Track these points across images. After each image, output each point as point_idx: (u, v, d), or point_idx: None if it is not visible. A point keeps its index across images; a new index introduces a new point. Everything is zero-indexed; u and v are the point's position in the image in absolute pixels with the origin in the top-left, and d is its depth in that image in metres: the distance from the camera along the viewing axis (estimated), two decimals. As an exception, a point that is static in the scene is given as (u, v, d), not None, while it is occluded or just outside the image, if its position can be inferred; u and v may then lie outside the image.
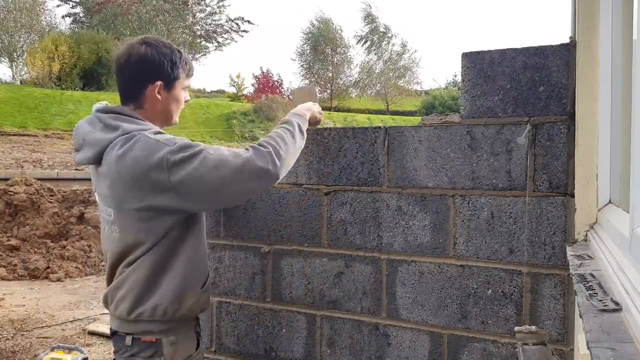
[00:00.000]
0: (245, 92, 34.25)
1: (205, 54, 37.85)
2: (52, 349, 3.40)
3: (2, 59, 30.33)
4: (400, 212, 2.02)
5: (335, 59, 37.77)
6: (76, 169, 13.35)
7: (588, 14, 1.59)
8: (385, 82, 36.82)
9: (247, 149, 1.65)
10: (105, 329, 4.46)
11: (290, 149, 1.73)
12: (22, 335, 4.80)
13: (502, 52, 1.86)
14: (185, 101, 1.82)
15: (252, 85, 34.40)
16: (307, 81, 38.15)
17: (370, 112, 32.68)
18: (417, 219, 1.99)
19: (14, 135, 17.92)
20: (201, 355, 1.84)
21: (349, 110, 32.73)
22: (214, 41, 37.60)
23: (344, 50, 38.53)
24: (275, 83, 33.05)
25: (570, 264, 1.46)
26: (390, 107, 35.15)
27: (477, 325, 1.91)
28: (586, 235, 1.68)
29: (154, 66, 1.68)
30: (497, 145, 1.86)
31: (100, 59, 27.24)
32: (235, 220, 2.31)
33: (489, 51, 1.88)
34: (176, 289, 1.66)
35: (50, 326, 5.03)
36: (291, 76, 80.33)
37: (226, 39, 37.78)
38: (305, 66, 38.36)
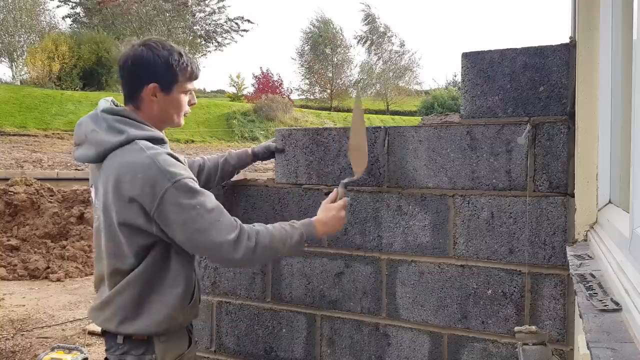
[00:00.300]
0: (245, 92, 34.26)
1: (205, 54, 37.87)
2: (52, 349, 3.40)
3: (2, 59, 30.35)
4: (400, 212, 2.02)
5: (335, 59, 37.77)
6: (76, 169, 13.35)
7: (588, 14, 1.59)
8: (385, 82, 36.81)
9: (236, 227, 1.63)
10: (105, 329, 4.44)
11: (269, 254, 1.72)
12: (22, 335, 4.80)
13: (502, 52, 1.86)
14: (191, 104, 1.80)
15: (252, 85, 34.48)
16: (307, 81, 38.18)
17: (370, 112, 32.70)
18: (417, 219, 1.99)
19: (14, 135, 17.92)
20: (193, 353, 1.84)
21: (349, 110, 32.73)
22: (213, 41, 37.62)
23: (344, 51, 38.55)
24: (275, 83, 33.04)
25: (570, 264, 1.46)
26: (390, 107, 35.16)
27: (477, 325, 1.91)
28: (586, 235, 1.68)
29: (149, 68, 1.67)
30: (497, 145, 1.86)
31: (100, 59, 27.24)
32: (235, 220, 2.31)
33: (489, 51, 1.88)
34: (164, 311, 1.67)
35: (50, 326, 5.03)
36: (291, 76, 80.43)
37: (226, 38, 37.82)
38: (305, 66, 38.35)
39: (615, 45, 1.50)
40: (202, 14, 36.88)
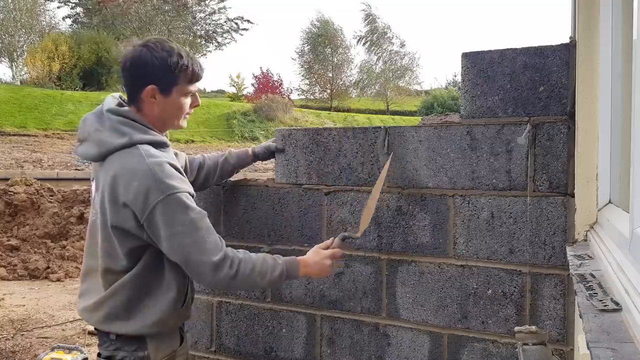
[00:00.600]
0: (245, 92, 34.22)
1: (205, 54, 37.86)
2: (52, 349, 3.40)
3: (2, 59, 30.33)
4: (400, 212, 2.02)
5: (335, 59, 37.76)
6: (76, 169, 13.35)
7: (588, 14, 1.59)
8: (385, 82, 36.81)
9: (220, 250, 1.63)
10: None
11: (248, 285, 1.75)
12: (22, 335, 4.80)
13: (502, 52, 1.86)
14: (194, 106, 1.78)
15: (252, 85, 34.40)
16: (307, 81, 38.18)
17: (370, 112, 32.68)
18: (417, 219, 1.99)
19: (14, 135, 17.91)
20: (185, 350, 1.85)
21: (349, 110, 32.74)
22: (214, 41, 37.61)
23: (344, 51, 38.55)
24: (275, 83, 33.01)
25: (570, 264, 1.46)
26: (390, 107, 35.15)
27: (477, 325, 1.91)
28: (586, 235, 1.68)
29: (147, 69, 1.66)
30: (497, 145, 1.86)
31: (100, 59, 27.21)
32: (235, 220, 2.31)
33: (489, 51, 1.88)
34: (156, 315, 1.68)
35: (50, 326, 5.03)
36: (291, 76, 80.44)
37: (226, 38, 37.81)
38: (305, 66, 38.34)
39: (615, 45, 1.50)
40: (202, 14, 36.89)
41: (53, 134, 18.59)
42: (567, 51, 1.77)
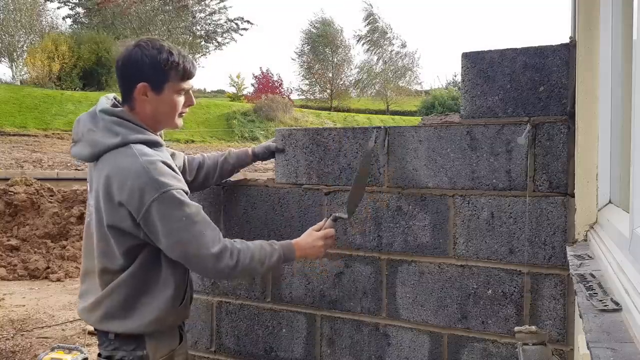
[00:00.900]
0: (245, 92, 34.21)
1: (205, 54, 37.86)
2: (52, 349, 3.40)
3: (2, 59, 30.32)
4: (400, 212, 2.02)
5: (335, 59, 37.75)
6: (76, 169, 13.35)
7: (588, 14, 1.59)
8: (385, 82, 36.80)
9: (219, 242, 1.65)
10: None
11: (248, 273, 1.80)
12: (22, 335, 4.79)
13: (502, 52, 1.86)
14: (188, 105, 1.79)
15: (252, 85, 34.40)
16: (306, 81, 38.16)
17: (370, 112, 32.68)
18: (417, 219, 1.99)
19: (14, 135, 17.91)
20: (185, 349, 1.85)
21: (349, 110, 32.73)
22: (213, 41, 37.61)
23: (344, 51, 38.54)
24: (275, 83, 33.01)
25: (570, 264, 1.46)
26: (390, 107, 35.14)
27: (477, 325, 1.91)
28: (586, 235, 1.68)
29: (137, 67, 1.67)
30: (497, 145, 1.86)
31: (100, 59, 27.21)
32: (235, 220, 2.31)
33: (489, 51, 1.88)
34: (154, 313, 1.68)
35: (50, 326, 5.03)
36: (291, 76, 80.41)
37: (225, 38, 37.80)
38: (305, 66, 38.34)
39: (615, 45, 1.50)
40: (202, 14, 36.88)
41: (53, 134, 18.59)
42: (567, 51, 1.77)
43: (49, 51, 25.91)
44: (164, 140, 1.82)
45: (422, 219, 1.98)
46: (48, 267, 6.80)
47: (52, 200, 7.70)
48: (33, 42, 29.69)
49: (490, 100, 1.88)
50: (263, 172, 12.54)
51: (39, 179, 8.56)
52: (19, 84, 27.58)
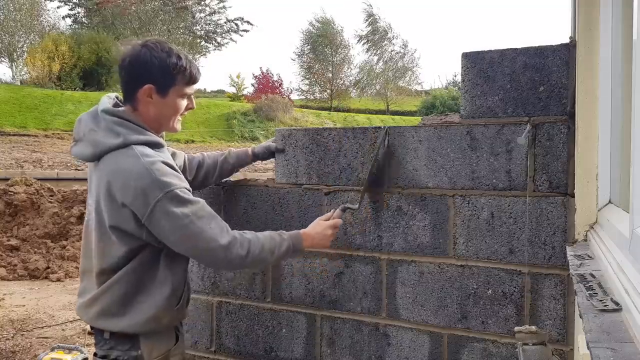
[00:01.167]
0: (245, 92, 34.22)
1: (205, 54, 37.85)
2: (52, 349, 3.40)
3: (2, 59, 30.31)
4: (400, 212, 2.02)
5: (335, 59, 37.74)
6: (76, 169, 13.35)
7: (588, 14, 1.59)
8: (385, 82, 36.80)
9: (227, 233, 1.67)
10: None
11: (258, 263, 1.82)
12: (22, 335, 4.79)
13: (502, 52, 1.86)
14: (189, 109, 1.79)
15: (252, 85, 34.40)
16: (306, 81, 38.15)
17: (370, 112, 32.68)
18: (417, 219, 1.99)
19: (14, 135, 17.91)
20: (181, 349, 1.86)
21: (349, 110, 32.72)
22: (213, 41, 37.60)
23: (344, 51, 38.54)
24: (275, 83, 33.01)
25: (570, 264, 1.46)
26: (390, 107, 35.14)
27: (477, 325, 1.91)
28: (586, 235, 1.68)
29: (145, 68, 1.66)
30: (497, 145, 1.86)
31: (100, 59, 27.21)
32: (235, 220, 2.31)
33: (489, 51, 1.88)
34: (150, 311, 1.69)
35: (50, 326, 5.03)
36: (291, 76, 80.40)
37: (225, 38, 37.79)
38: (305, 66, 38.34)
39: (615, 45, 1.50)
40: (202, 15, 36.87)
41: (53, 134, 18.59)
42: (567, 51, 1.77)
43: (49, 51, 25.91)
44: (165, 140, 1.82)
45: (422, 219, 1.98)
46: (48, 267, 6.80)
47: (52, 200, 7.70)
48: (33, 42, 29.70)
49: (490, 100, 1.88)
50: (263, 172, 12.54)
51: (39, 179, 8.56)
52: (19, 84, 27.59)
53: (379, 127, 2.06)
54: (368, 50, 38.74)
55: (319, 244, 1.88)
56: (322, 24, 38.09)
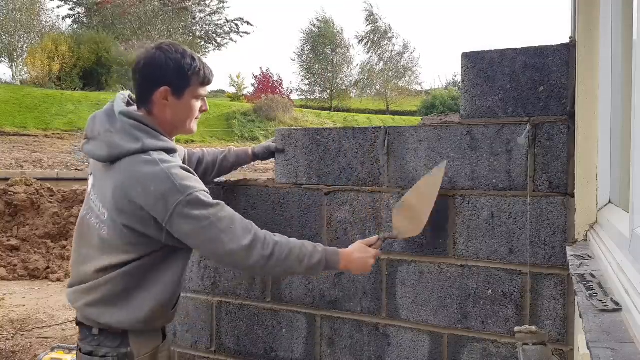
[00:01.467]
0: (245, 92, 34.20)
1: (205, 54, 37.84)
2: (52, 349, 3.40)
3: (2, 59, 30.31)
4: (400, 212, 2.01)
5: (336, 59, 37.74)
6: (76, 169, 13.35)
7: (588, 14, 1.59)
8: (385, 82, 36.80)
9: (250, 232, 1.65)
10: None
11: (284, 268, 1.70)
12: (22, 335, 4.80)
13: (502, 52, 1.86)
14: (203, 110, 1.80)
15: (252, 85, 34.38)
16: (306, 81, 38.14)
17: (370, 112, 32.68)
18: (417, 219, 1.99)
19: (14, 135, 17.90)
20: (167, 347, 1.86)
21: (349, 110, 32.72)
22: (213, 42, 37.60)
23: (344, 51, 38.53)
24: (275, 83, 33.00)
25: (570, 264, 1.46)
26: (390, 107, 35.14)
27: (477, 325, 1.91)
28: (586, 235, 1.68)
29: (161, 71, 1.67)
30: (497, 145, 1.86)
31: (100, 59, 27.20)
32: (235, 220, 2.31)
33: (489, 51, 1.88)
34: (147, 310, 1.69)
35: (50, 326, 5.03)
36: (291, 76, 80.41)
37: (225, 39, 37.79)
38: (305, 66, 38.33)
39: (615, 45, 1.50)
40: (202, 15, 36.87)
41: (53, 134, 18.58)
42: (567, 51, 1.77)
43: (49, 51, 25.91)
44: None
45: (422, 219, 1.98)
46: (48, 267, 6.80)
47: (52, 200, 7.70)
48: (33, 42, 29.69)
49: (490, 100, 1.88)
50: (263, 172, 12.54)
51: (39, 179, 8.57)
52: (19, 84, 27.57)
53: (379, 127, 2.06)
54: (369, 50, 38.76)
55: (357, 269, 1.78)
56: (323, 23, 38.09)
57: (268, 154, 2.24)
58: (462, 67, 1.92)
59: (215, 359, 2.39)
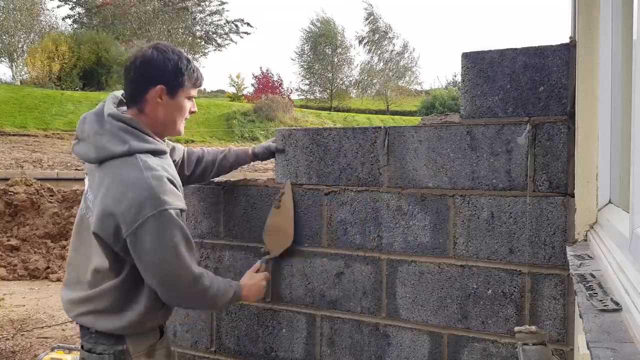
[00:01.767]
0: (245, 92, 34.21)
1: (205, 54, 37.85)
2: (52, 349, 3.39)
3: (2, 59, 30.32)
4: (400, 212, 2.02)
5: (336, 59, 37.74)
6: (76, 169, 13.34)
7: (588, 14, 1.59)
8: (386, 82, 36.79)
9: (198, 264, 1.79)
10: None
11: (211, 303, 1.84)
12: (22, 335, 4.79)
13: (502, 52, 1.86)
14: (191, 112, 1.83)
15: (252, 85, 34.40)
16: (307, 81, 38.14)
17: (370, 112, 32.68)
18: (417, 219, 1.99)
19: (14, 135, 17.91)
20: (165, 344, 1.87)
21: (349, 110, 32.72)
22: (213, 42, 37.58)
23: (344, 51, 38.52)
24: (275, 83, 33.01)
25: (570, 264, 1.46)
26: (390, 107, 35.14)
27: (477, 325, 1.91)
28: (586, 235, 1.68)
29: (157, 70, 1.70)
30: (497, 145, 1.86)
31: (100, 59, 27.23)
32: (235, 220, 2.31)
33: (489, 51, 1.88)
34: (135, 316, 1.71)
35: (50, 326, 5.03)
36: (291, 76, 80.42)
37: (225, 39, 37.77)
38: (305, 66, 38.33)
39: (615, 45, 1.50)
40: (202, 15, 36.85)
41: (53, 134, 18.59)
42: (567, 51, 1.77)
43: (49, 51, 25.92)
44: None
45: (422, 219, 1.98)
46: (48, 267, 6.80)
47: (52, 200, 7.70)
48: (33, 42, 29.69)
49: (490, 100, 1.88)
50: (263, 172, 12.54)
51: (39, 179, 8.57)
52: (19, 84, 27.58)
53: (379, 127, 2.06)
54: (370, 51, 38.74)
55: (253, 294, 1.96)
56: (323, 23, 38.08)
57: (268, 154, 2.24)
58: (462, 67, 1.92)
59: (215, 359, 2.39)
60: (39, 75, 25.83)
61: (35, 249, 7.10)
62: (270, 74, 33.43)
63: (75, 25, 35.05)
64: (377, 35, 38.64)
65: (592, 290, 1.12)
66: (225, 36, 37.62)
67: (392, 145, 2.02)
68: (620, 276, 1.06)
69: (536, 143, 1.81)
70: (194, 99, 1.84)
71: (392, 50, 38.57)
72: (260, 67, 50.27)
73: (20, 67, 29.80)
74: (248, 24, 39.69)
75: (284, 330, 2.24)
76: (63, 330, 4.95)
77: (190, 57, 1.80)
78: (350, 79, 38.70)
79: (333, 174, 2.13)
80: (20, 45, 29.89)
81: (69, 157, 15.19)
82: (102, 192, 1.63)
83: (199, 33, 36.97)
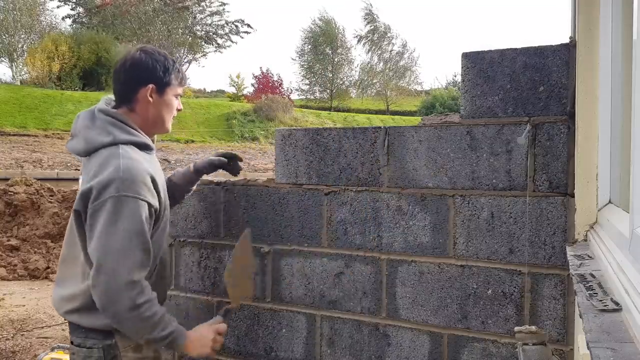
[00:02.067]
0: (245, 92, 34.22)
1: (205, 54, 37.84)
2: (52, 349, 3.40)
3: (2, 59, 30.31)
4: (400, 212, 2.02)
5: (336, 59, 37.73)
6: (76, 169, 13.34)
7: (588, 14, 1.59)
8: (385, 82, 36.79)
9: (140, 276, 1.64)
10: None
11: (140, 326, 1.67)
12: (22, 335, 4.79)
13: (502, 52, 1.86)
14: (178, 110, 1.90)
15: (252, 85, 34.39)
16: (307, 81, 38.13)
17: (370, 112, 32.68)
18: (417, 219, 1.99)
19: (14, 135, 17.91)
20: None
21: (349, 110, 32.71)
22: (213, 43, 37.56)
23: (345, 51, 38.51)
24: (275, 83, 33.01)
25: (570, 264, 1.46)
26: (390, 107, 35.13)
27: (477, 325, 1.91)
28: (586, 235, 1.68)
29: (146, 71, 1.78)
30: (497, 145, 1.86)
31: (100, 59, 27.22)
32: (235, 221, 2.31)
33: (489, 51, 1.88)
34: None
35: (50, 326, 5.03)
36: (291, 76, 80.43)
37: (226, 40, 37.75)
38: (305, 66, 38.32)
39: (615, 45, 1.50)
40: (202, 15, 36.84)
41: (53, 134, 18.58)
42: (567, 51, 1.77)
43: (49, 51, 25.91)
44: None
45: (422, 219, 1.98)
46: (48, 267, 6.80)
47: (52, 200, 7.70)
48: (33, 42, 29.69)
49: (490, 100, 1.88)
50: (263, 172, 12.54)
51: (39, 179, 8.57)
52: (19, 84, 27.57)
53: (379, 127, 2.07)
54: (370, 51, 38.74)
55: (197, 349, 1.78)
56: (324, 23, 38.07)
57: (210, 168, 2.14)
58: (462, 67, 1.92)
59: (215, 359, 2.38)
60: (39, 75, 25.82)
61: (35, 249, 7.10)
62: (270, 74, 33.44)
63: (75, 25, 35.04)
64: (376, 35, 38.64)
65: (592, 290, 1.12)
66: (225, 37, 37.61)
67: (392, 145, 2.02)
68: (620, 276, 1.06)
69: (536, 143, 1.81)
70: (179, 98, 1.92)
71: (391, 50, 38.58)
72: (260, 67, 50.27)
73: (20, 67, 29.79)
74: (248, 25, 39.65)
75: (284, 330, 2.24)
76: (63, 330, 4.94)
77: (175, 58, 1.88)
78: (351, 79, 38.72)
79: (333, 174, 2.13)
80: (20, 45, 29.86)
81: (69, 157, 15.19)
82: (88, 180, 1.69)
83: (199, 33, 36.95)
